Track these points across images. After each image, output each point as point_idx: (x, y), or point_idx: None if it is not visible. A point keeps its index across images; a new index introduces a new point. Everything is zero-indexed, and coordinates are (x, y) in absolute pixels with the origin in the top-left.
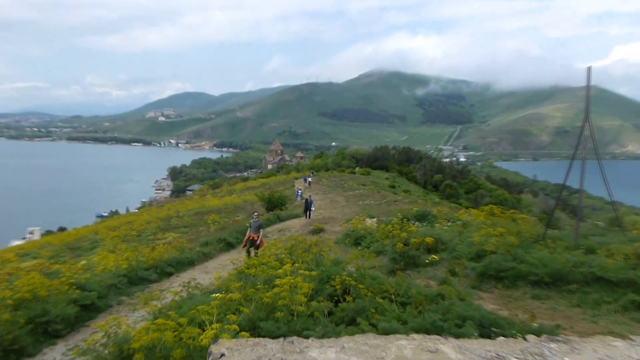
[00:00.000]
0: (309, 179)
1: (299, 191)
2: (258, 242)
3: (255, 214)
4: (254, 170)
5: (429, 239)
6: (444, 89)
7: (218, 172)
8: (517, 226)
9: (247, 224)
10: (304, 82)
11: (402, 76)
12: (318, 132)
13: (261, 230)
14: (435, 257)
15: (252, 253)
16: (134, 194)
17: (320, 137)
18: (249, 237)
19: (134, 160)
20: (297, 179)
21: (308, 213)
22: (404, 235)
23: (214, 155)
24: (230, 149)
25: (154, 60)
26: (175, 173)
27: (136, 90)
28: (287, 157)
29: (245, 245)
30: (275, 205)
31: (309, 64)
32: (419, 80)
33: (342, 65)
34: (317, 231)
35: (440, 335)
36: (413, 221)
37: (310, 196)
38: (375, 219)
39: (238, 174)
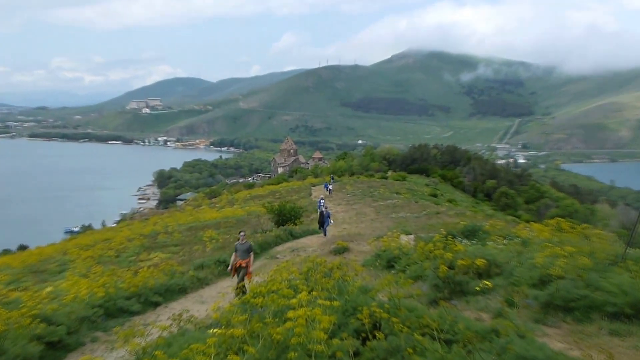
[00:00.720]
0: (330, 186)
1: (322, 201)
2: (246, 271)
3: (242, 234)
4: (260, 174)
5: (480, 261)
6: (496, 73)
7: (216, 178)
8: (590, 244)
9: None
10: (323, 64)
11: (444, 57)
12: (341, 127)
13: (251, 255)
14: (487, 283)
15: (242, 288)
16: (111, 205)
17: (344, 133)
18: (236, 264)
19: (112, 163)
20: (315, 185)
21: (324, 229)
22: (449, 256)
23: (211, 156)
24: (231, 149)
25: (137, 38)
26: (162, 178)
27: (115, 75)
28: (302, 159)
29: (235, 274)
30: (287, 218)
31: (329, 42)
32: (465, 63)
33: (370, 45)
34: (340, 251)
35: None
36: (460, 238)
37: (326, 207)
38: (412, 236)
39: (241, 180)
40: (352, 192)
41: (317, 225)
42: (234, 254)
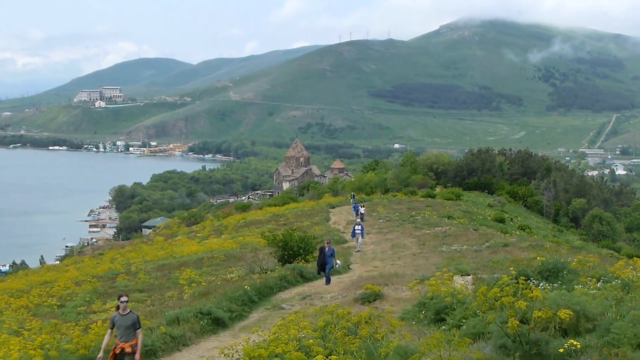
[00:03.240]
0: (362, 209)
1: (357, 228)
2: (135, 356)
3: (122, 300)
4: (258, 192)
5: (564, 313)
6: (578, 50)
7: (197, 197)
8: None
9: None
10: (345, 40)
11: (509, 29)
12: (370, 126)
13: (140, 333)
14: (576, 343)
15: None
16: (53, 235)
17: (374, 133)
18: (114, 348)
19: (54, 176)
20: (334, 207)
21: (326, 274)
22: (522, 305)
23: (190, 166)
24: (218, 156)
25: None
26: (123, 198)
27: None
28: (315, 170)
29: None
30: (295, 253)
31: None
32: (537, 36)
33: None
34: (370, 298)
35: None
36: (537, 281)
37: (328, 241)
38: (470, 278)
39: (232, 199)
40: (386, 216)
41: (347, 261)
42: (108, 331)
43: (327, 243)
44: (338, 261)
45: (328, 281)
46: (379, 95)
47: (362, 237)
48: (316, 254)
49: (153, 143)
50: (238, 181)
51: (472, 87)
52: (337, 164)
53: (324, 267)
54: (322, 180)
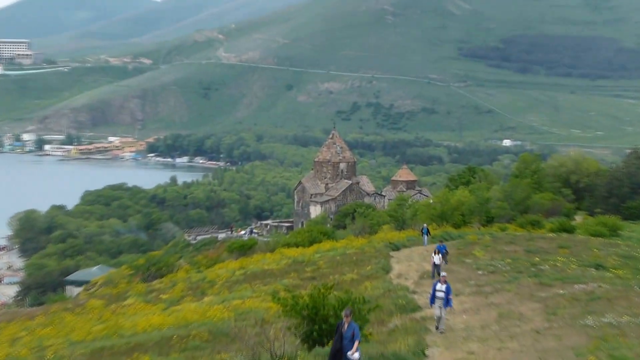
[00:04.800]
0: (435, 257)
1: (438, 286)
2: None
3: None
4: (268, 222)
5: None
6: None
7: (162, 230)
8: None
9: None
10: None
11: None
12: (460, 108)
13: None
14: None
15: None
16: None
17: (468, 120)
18: None
19: None
20: (397, 247)
21: None
22: None
23: (151, 176)
24: (199, 160)
25: None
26: (32, 232)
27: None
28: (367, 184)
29: None
30: (330, 329)
31: None
32: None
33: None
34: None
35: None
36: None
37: (347, 313)
38: None
39: (222, 234)
40: (489, 264)
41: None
42: None
43: (346, 316)
44: (356, 354)
45: None
46: (476, 56)
47: (449, 304)
48: (372, 330)
49: (85, 137)
50: (233, 203)
51: (636, 42)
52: (404, 173)
53: (342, 354)
54: (377, 202)
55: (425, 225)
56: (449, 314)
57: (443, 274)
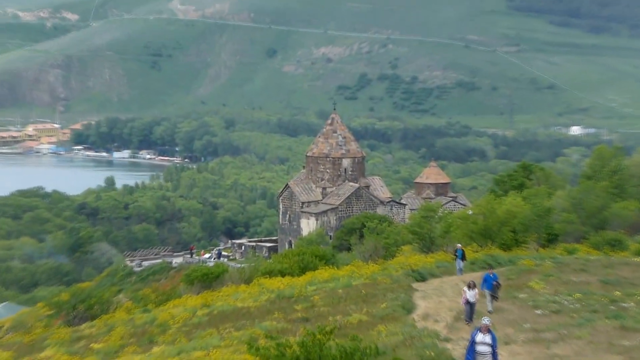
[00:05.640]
0: (467, 293)
1: (485, 341)
2: None
3: None
4: (243, 241)
5: None
6: None
7: (94, 252)
8: None
9: None
10: None
11: None
12: (506, 80)
13: None
14: None
15: None
16: None
17: (519, 98)
18: None
19: None
20: (423, 277)
21: None
22: None
23: (77, 177)
24: (145, 154)
25: None
26: None
27: None
28: (380, 188)
29: None
30: None
31: None
32: None
33: None
34: None
35: None
36: None
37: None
38: None
39: (178, 258)
40: (551, 298)
41: None
42: None
43: None
44: None
45: None
46: (532, 10)
47: (495, 358)
48: None
49: None
50: (194, 215)
51: None
52: (433, 173)
53: None
54: (395, 214)
55: (459, 246)
56: None
57: (485, 320)
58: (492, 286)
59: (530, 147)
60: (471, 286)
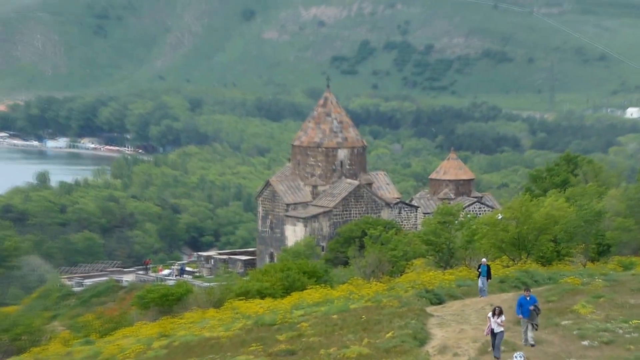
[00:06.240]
0: (497, 323)
1: None
2: None
3: None
4: (211, 254)
5: None
6: None
7: (20, 267)
8: None
9: None
10: None
11: None
12: (545, 50)
13: None
14: None
15: None
16: None
17: (562, 73)
18: None
19: None
20: (439, 300)
21: None
22: None
23: (4, 172)
24: (87, 142)
25: None
26: None
27: None
28: (384, 186)
29: None
30: None
31: None
32: None
33: None
34: None
35: None
36: None
37: None
38: None
39: (129, 274)
40: (601, 326)
41: None
42: None
43: None
44: None
45: None
46: None
47: None
48: None
49: None
50: (149, 221)
51: None
52: (453, 167)
53: None
54: (404, 218)
55: (484, 260)
56: None
57: (518, 357)
58: (529, 312)
59: (576, 134)
60: (496, 312)
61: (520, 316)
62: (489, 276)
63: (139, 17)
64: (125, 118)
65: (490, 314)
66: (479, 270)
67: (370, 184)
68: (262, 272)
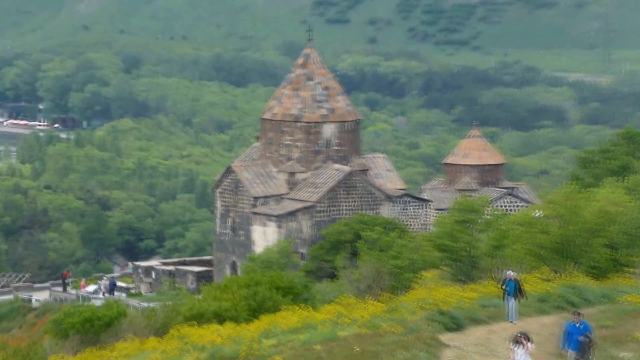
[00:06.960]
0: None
1: None
2: None
3: None
4: (151, 263)
5: None
6: None
7: None
8: None
9: None
10: None
11: None
12: None
13: None
14: None
15: None
16: None
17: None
18: None
19: None
20: (457, 324)
21: None
22: None
23: None
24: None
25: None
26: None
27: None
28: (382, 168)
29: None
30: None
31: None
32: None
33: None
34: None
35: None
36: None
37: None
38: None
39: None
40: None
41: None
42: None
43: None
44: None
45: None
46: None
47: None
48: None
49: None
50: (69, 219)
51: None
52: (473, 149)
53: None
54: (411, 216)
55: (512, 274)
56: None
57: None
58: (579, 344)
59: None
60: (519, 340)
61: (568, 351)
62: (519, 294)
63: None
64: (37, 82)
65: (512, 344)
66: (504, 287)
67: (365, 171)
68: (220, 288)
